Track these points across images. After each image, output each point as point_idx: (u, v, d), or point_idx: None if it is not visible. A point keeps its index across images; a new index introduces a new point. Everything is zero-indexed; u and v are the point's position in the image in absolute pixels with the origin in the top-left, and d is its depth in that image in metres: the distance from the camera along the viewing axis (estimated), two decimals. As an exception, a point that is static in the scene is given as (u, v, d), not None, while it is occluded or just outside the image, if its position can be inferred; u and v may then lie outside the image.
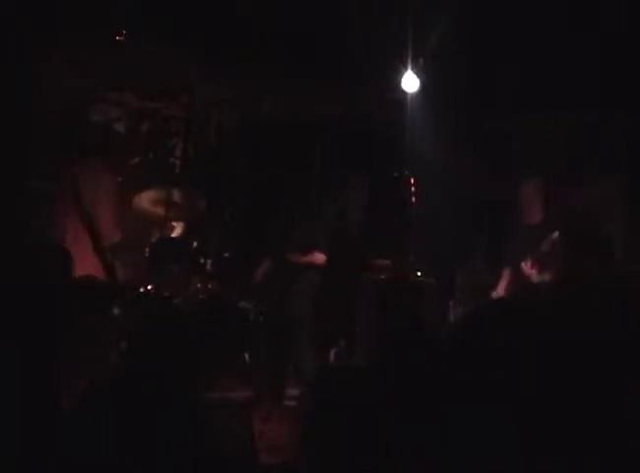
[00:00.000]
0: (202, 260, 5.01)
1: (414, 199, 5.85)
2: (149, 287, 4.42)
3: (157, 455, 1.99)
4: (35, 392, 1.81)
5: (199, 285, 4.91)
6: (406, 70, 5.78)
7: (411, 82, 5.81)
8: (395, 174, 6.23)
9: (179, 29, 5.63)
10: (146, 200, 4.88)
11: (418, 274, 5.88)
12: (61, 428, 1.82)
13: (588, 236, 5.21)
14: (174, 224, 5.09)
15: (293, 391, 5.17)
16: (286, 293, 5.36)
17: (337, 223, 5.56)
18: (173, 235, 5.08)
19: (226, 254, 5.39)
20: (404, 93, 5.89)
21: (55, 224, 4.38)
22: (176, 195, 4.90)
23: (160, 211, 4.87)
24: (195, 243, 5.02)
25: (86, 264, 4.07)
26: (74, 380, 2.07)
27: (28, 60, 5.07)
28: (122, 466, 1.90)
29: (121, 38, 5.68)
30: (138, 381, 2.19)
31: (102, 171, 4.39)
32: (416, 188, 5.83)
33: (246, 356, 5.23)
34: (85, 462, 1.84)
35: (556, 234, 4.86)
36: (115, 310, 3.79)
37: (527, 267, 5.00)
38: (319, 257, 5.32)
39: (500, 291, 5.28)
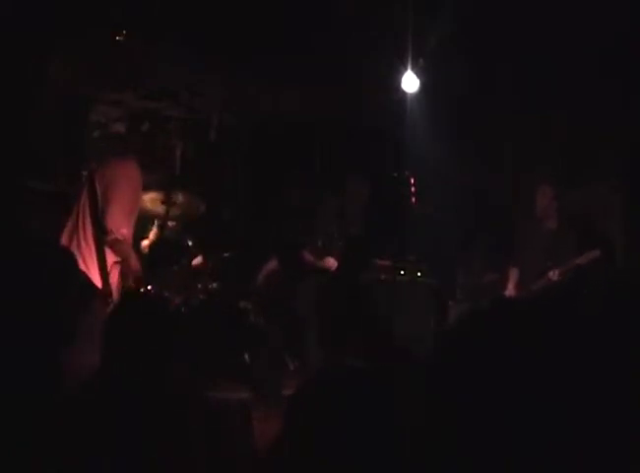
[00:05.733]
0: (202, 260, 5.01)
1: (413, 199, 5.85)
2: (149, 287, 4.42)
3: (155, 456, 1.99)
4: (35, 392, 1.81)
5: (199, 285, 4.91)
6: (406, 70, 5.78)
7: (411, 82, 5.81)
8: (395, 174, 6.24)
9: (179, 29, 5.63)
10: (145, 199, 4.87)
11: (418, 274, 5.88)
12: (58, 427, 1.82)
13: (593, 238, 5.27)
14: (200, 257, 5.05)
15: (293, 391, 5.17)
16: (292, 292, 5.36)
17: (337, 222, 5.57)
18: (195, 262, 5.04)
19: (226, 254, 5.39)
20: (404, 93, 5.88)
21: (58, 222, 4.38)
22: (176, 195, 4.91)
23: (159, 211, 4.87)
24: (192, 243, 5.02)
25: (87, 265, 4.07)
26: (73, 380, 2.07)
27: (28, 60, 5.07)
28: (118, 466, 1.90)
29: (121, 38, 5.68)
30: (132, 381, 2.19)
31: (120, 169, 4.32)
32: (415, 188, 5.83)
33: (246, 356, 5.23)
34: (80, 462, 1.84)
35: (597, 251, 4.99)
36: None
37: (554, 275, 5.10)
38: (332, 263, 5.33)
39: (510, 290, 5.38)
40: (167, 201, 4.86)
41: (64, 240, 4.22)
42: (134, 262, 4.24)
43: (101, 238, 4.15)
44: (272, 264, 5.53)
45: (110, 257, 4.19)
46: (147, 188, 4.85)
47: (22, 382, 1.78)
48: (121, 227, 4.16)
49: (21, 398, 1.75)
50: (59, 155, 5.66)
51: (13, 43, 4.87)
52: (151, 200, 4.88)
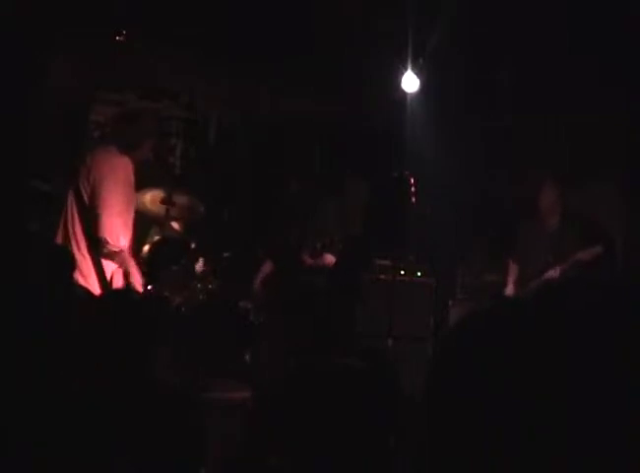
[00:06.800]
0: (202, 260, 5.01)
1: (414, 199, 5.85)
2: (149, 287, 4.41)
3: (155, 456, 1.99)
4: (34, 392, 1.81)
5: (199, 285, 4.91)
6: (406, 70, 5.78)
7: (411, 82, 5.81)
8: (395, 174, 6.24)
9: (179, 29, 5.63)
10: (145, 200, 4.86)
11: (419, 274, 5.89)
12: (56, 427, 1.82)
13: (595, 235, 5.28)
14: (200, 259, 4.92)
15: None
16: (291, 292, 5.36)
17: (337, 222, 5.57)
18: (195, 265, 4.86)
19: (226, 254, 5.39)
20: (404, 93, 5.89)
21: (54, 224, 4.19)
22: (176, 195, 4.90)
23: (160, 211, 4.86)
24: (194, 244, 5.01)
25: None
26: (73, 380, 2.07)
27: (28, 60, 5.07)
28: (118, 466, 1.90)
29: (121, 38, 5.68)
30: (126, 379, 2.19)
31: (107, 164, 3.96)
32: (416, 188, 5.83)
33: (246, 356, 5.23)
34: (79, 461, 1.84)
35: (599, 247, 5.00)
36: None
37: (555, 273, 5.12)
38: (329, 259, 5.33)
39: (509, 288, 5.40)
40: (168, 201, 4.85)
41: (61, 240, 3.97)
42: (133, 271, 4.01)
43: (97, 250, 3.85)
44: (267, 267, 5.53)
45: (110, 265, 3.98)
46: (147, 188, 4.84)
47: (18, 380, 1.78)
48: (118, 237, 3.87)
49: (17, 396, 1.76)
50: (59, 155, 5.65)
51: (13, 43, 4.87)
52: (151, 200, 4.87)
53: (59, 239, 3.97)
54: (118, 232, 3.92)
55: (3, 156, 4.96)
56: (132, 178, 4.14)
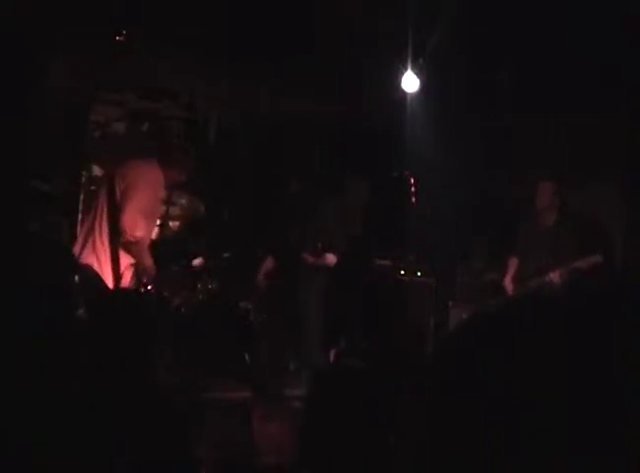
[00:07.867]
0: (202, 260, 5.02)
1: (414, 199, 5.85)
2: (149, 287, 4.42)
3: (154, 456, 1.99)
4: (34, 391, 1.81)
5: (199, 285, 4.91)
6: (406, 70, 5.78)
7: (411, 82, 5.81)
8: (395, 174, 6.24)
9: (179, 29, 5.63)
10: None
11: (419, 274, 5.89)
12: (56, 427, 1.82)
13: (595, 241, 5.27)
14: (200, 257, 5.03)
15: (294, 391, 5.17)
16: (292, 292, 5.36)
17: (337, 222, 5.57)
18: (195, 262, 5.02)
19: (226, 254, 5.39)
20: (404, 93, 5.89)
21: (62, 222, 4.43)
22: (177, 195, 4.91)
23: (160, 211, 4.87)
24: (194, 244, 5.02)
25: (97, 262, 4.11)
26: (74, 381, 2.07)
27: (28, 60, 5.07)
28: (117, 465, 1.90)
29: (121, 38, 5.68)
30: (125, 379, 2.19)
31: (141, 170, 4.34)
32: (416, 188, 5.83)
33: (246, 356, 5.24)
34: (79, 461, 1.84)
35: (599, 256, 4.99)
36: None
37: (555, 276, 5.11)
38: (330, 259, 5.33)
39: (508, 281, 5.40)
40: (168, 201, 4.85)
41: (80, 240, 4.28)
42: (148, 263, 4.27)
43: (116, 240, 4.17)
44: (268, 263, 5.53)
45: (125, 259, 4.22)
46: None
47: (18, 380, 1.78)
48: (136, 229, 4.17)
49: (17, 396, 1.76)
50: (59, 155, 5.65)
51: (13, 43, 4.87)
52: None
53: (84, 228, 4.33)
54: (136, 226, 4.17)
55: (3, 156, 4.96)
56: (161, 194, 4.46)
